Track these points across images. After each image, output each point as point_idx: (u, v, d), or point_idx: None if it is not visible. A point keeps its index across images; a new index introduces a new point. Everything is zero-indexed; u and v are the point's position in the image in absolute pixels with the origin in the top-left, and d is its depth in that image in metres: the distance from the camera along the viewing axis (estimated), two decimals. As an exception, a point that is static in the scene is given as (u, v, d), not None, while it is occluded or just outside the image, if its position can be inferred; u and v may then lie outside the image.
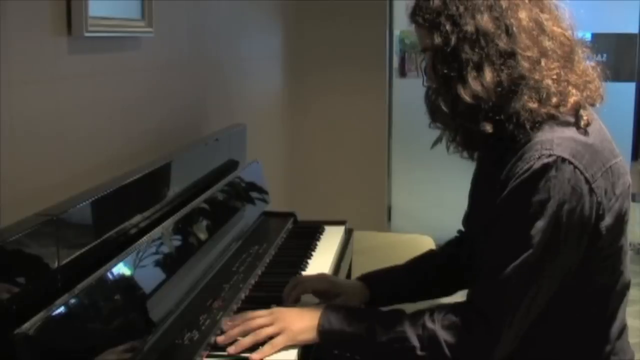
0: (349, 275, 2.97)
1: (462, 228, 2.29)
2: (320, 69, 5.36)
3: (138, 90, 2.60)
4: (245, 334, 1.96)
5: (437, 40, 1.88)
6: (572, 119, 1.88)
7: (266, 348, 1.91)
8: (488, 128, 1.85)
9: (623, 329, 2.02)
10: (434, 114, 1.96)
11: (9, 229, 1.62)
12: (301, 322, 1.98)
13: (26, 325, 1.48)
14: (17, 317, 1.49)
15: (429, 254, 2.44)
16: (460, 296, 2.19)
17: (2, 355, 1.46)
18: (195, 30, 3.16)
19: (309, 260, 2.68)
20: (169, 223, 2.26)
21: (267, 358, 1.90)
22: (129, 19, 2.48)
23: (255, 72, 4.24)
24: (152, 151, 2.60)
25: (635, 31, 5.80)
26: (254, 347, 1.93)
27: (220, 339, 1.96)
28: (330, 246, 2.87)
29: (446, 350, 1.85)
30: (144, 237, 2.09)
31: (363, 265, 2.82)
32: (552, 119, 1.86)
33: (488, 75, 1.83)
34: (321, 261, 2.66)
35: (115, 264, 1.88)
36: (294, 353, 1.93)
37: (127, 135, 2.50)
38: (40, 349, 1.51)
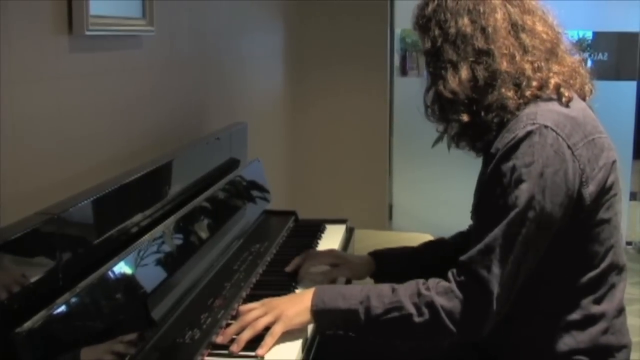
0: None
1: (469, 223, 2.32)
2: (321, 67, 5.36)
3: (139, 89, 2.61)
4: (241, 329, 1.98)
5: (427, 43, 2.09)
6: (554, 96, 2.02)
7: (267, 339, 1.94)
8: (464, 118, 2.03)
9: (621, 310, 2.07)
10: (425, 109, 2.13)
11: (10, 227, 1.62)
12: (294, 306, 2.03)
13: (27, 324, 1.48)
14: (18, 316, 1.49)
15: (439, 241, 2.55)
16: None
17: (3, 355, 1.46)
18: (196, 29, 3.16)
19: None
20: (170, 222, 2.26)
21: (269, 358, 1.91)
22: (130, 17, 2.48)
23: (256, 70, 4.24)
24: (153, 150, 2.60)
25: (637, 30, 5.79)
26: (255, 342, 1.94)
27: (219, 339, 1.97)
28: (331, 245, 2.86)
29: (443, 315, 1.90)
30: (145, 236, 2.09)
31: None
32: (536, 97, 2.00)
33: (464, 72, 2.01)
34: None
35: (117, 263, 1.88)
36: (295, 353, 1.93)
37: (128, 134, 2.50)
38: (41, 348, 1.51)
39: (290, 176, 5.27)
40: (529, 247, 1.90)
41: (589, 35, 5.83)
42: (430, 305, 1.92)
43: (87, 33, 2.14)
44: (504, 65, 1.98)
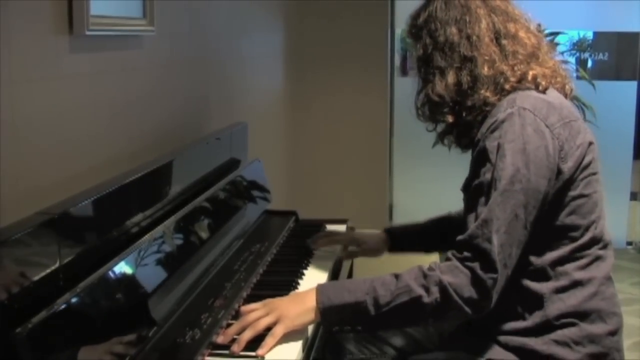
0: (350, 274, 2.97)
1: None
2: (321, 67, 5.36)
3: (139, 89, 2.60)
4: (242, 329, 1.98)
5: (419, 50, 2.26)
6: (532, 86, 2.16)
7: (268, 340, 1.95)
8: (449, 118, 2.21)
9: (609, 280, 2.17)
10: (416, 110, 2.30)
11: (10, 227, 1.62)
12: (295, 307, 2.05)
13: (28, 324, 1.48)
14: (18, 315, 1.49)
15: (446, 216, 2.70)
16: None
17: (3, 354, 1.46)
18: (196, 29, 3.16)
19: (310, 259, 2.68)
20: (170, 222, 2.26)
21: (270, 358, 1.91)
22: (131, 17, 2.48)
23: (256, 70, 4.24)
24: (154, 150, 2.60)
25: (637, 30, 5.79)
26: (255, 342, 1.94)
27: (220, 339, 1.97)
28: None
29: (451, 291, 1.97)
30: (146, 236, 2.09)
31: (365, 263, 2.83)
32: (515, 89, 2.14)
33: (450, 77, 2.18)
34: (322, 260, 2.66)
35: (117, 263, 1.88)
36: (295, 352, 1.93)
37: (128, 134, 2.50)
38: (42, 348, 1.51)
39: (291, 176, 5.26)
40: (521, 216, 2.00)
41: (589, 35, 5.84)
42: (438, 283, 1.97)
43: (88, 33, 2.13)
44: (485, 70, 2.14)
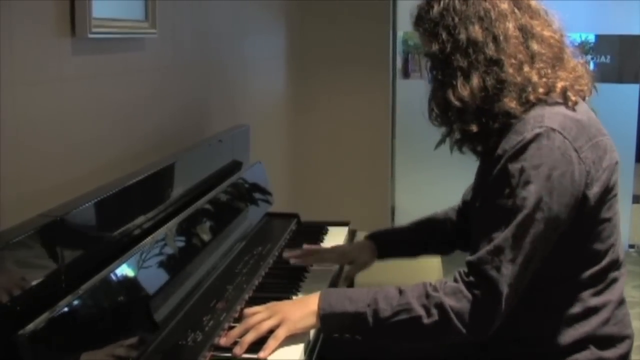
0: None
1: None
2: (323, 69, 5.36)
3: (141, 91, 2.61)
4: (245, 332, 1.98)
5: (435, 47, 2.05)
6: (560, 100, 2.02)
7: (271, 342, 1.94)
8: (473, 128, 2.02)
9: (622, 302, 2.11)
10: (430, 112, 2.11)
11: (12, 230, 1.62)
12: (298, 310, 2.02)
13: (30, 326, 1.48)
14: (20, 318, 1.49)
15: (433, 218, 2.62)
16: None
17: (6, 357, 1.46)
18: (198, 31, 3.16)
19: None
20: (172, 224, 2.26)
21: (273, 358, 1.91)
22: (133, 20, 2.48)
23: (258, 72, 4.24)
24: (156, 152, 2.60)
25: (639, 33, 5.79)
26: (258, 344, 1.94)
27: (223, 341, 1.97)
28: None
29: (452, 315, 1.90)
30: (148, 238, 2.09)
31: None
32: (541, 101, 2.00)
33: (475, 80, 1.99)
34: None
35: (119, 265, 1.88)
36: (298, 353, 1.93)
37: (130, 136, 2.51)
38: (44, 350, 1.51)
39: (293, 178, 5.26)
40: (537, 247, 1.91)
41: (591, 38, 5.83)
42: (439, 306, 1.91)
43: (90, 35, 2.14)
44: (512, 75, 1.98)
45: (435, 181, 5.70)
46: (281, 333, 1.96)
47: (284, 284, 2.40)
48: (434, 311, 1.92)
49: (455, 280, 1.95)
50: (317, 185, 5.42)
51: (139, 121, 2.58)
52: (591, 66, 5.96)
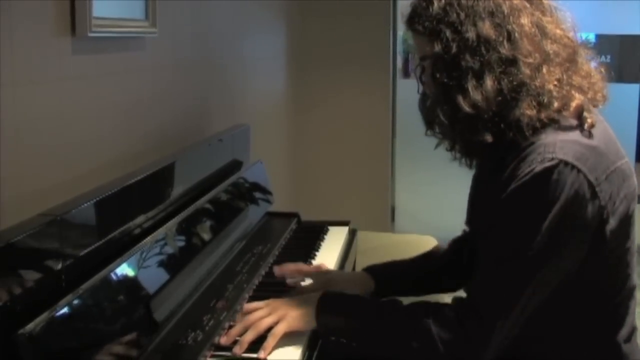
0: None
1: (466, 228, 2.29)
2: (323, 69, 5.35)
3: (142, 91, 2.61)
4: (245, 330, 1.97)
5: (437, 48, 1.86)
6: (575, 122, 1.87)
7: (269, 340, 1.92)
8: (488, 138, 1.84)
9: (632, 332, 2.00)
10: (431, 123, 1.95)
11: (12, 229, 1.62)
12: (298, 308, 2.01)
13: (30, 325, 1.48)
14: (20, 317, 1.49)
15: (435, 251, 2.48)
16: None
17: (6, 356, 1.46)
18: (198, 30, 3.16)
19: (312, 261, 2.68)
20: (172, 223, 2.26)
21: (272, 358, 1.90)
22: (133, 19, 2.48)
23: (258, 72, 4.24)
24: (156, 151, 2.60)
25: (639, 32, 5.79)
26: (258, 343, 1.93)
27: (223, 339, 1.96)
28: (334, 246, 2.87)
29: (439, 344, 1.83)
30: (148, 238, 2.09)
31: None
32: (555, 122, 1.85)
33: (489, 83, 1.80)
34: (325, 261, 2.65)
35: (119, 265, 1.88)
36: (298, 353, 1.93)
37: (130, 136, 2.51)
38: (44, 350, 1.51)
39: (293, 178, 5.26)
40: (538, 288, 1.82)
41: (591, 37, 5.83)
42: (428, 333, 1.84)
43: (90, 35, 2.14)
44: (530, 76, 1.81)
45: (435, 181, 5.69)
46: (280, 329, 1.95)
47: (284, 283, 2.40)
48: (423, 337, 1.85)
49: (451, 309, 1.88)
50: (317, 185, 5.42)
51: (139, 120, 2.57)
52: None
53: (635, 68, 5.84)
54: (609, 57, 5.86)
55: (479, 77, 1.81)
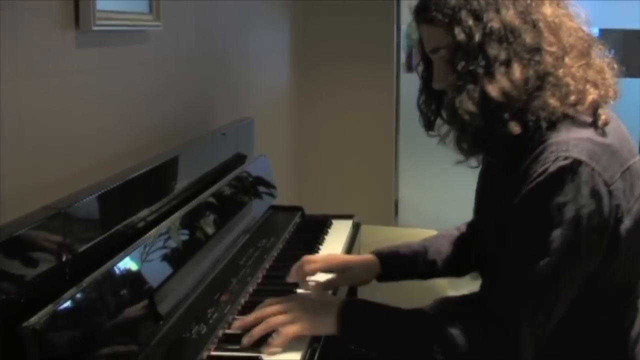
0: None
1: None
2: (327, 63, 5.35)
3: (146, 84, 2.60)
4: (258, 321, 1.91)
5: (460, 36, 1.83)
6: (589, 119, 1.85)
7: (277, 339, 1.86)
8: (516, 129, 1.81)
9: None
10: (453, 116, 1.89)
11: (16, 222, 1.62)
12: (316, 314, 1.92)
13: (33, 318, 1.48)
14: (24, 310, 1.49)
15: (443, 235, 2.43)
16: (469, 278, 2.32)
17: (9, 349, 1.46)
18: (203, 24, 3.16)
19: (317, 254, 2.67)
20: (176, 217, 2.26)
21: (274, 358, 1.85)
22: (137, 12, 2.48)
23: (262, 66, 4.24)
24: (160, 145, 2.60)
25: (643, 27, 5.79)
26: (269, 336, 1.89)
27: (236, 325, 1.93)
28: (337, 240, 2.87)
29: (465, 354, 1.80)
30: (151, 231, 2.09)
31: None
32: (569, 118, 1.83)
33: (517, 71, 1.78)
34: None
35: (123, 258, 1.88)
36: (298, 355, 1.89)
37: (134, 129, 2.50)
38: (47, 343, 1.51)
39: (297, 172, 5.26)
40: (562, 293, 1.79)
41: (595, 32, 5.82)
42: (454, 346, 1.80)
43: (94, 28, 2.13)
44: (552, 65, 1.81)
45: (438, 175, 5.67)
46: (290, 331, 1.87)
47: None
48: (448, 350, 1.80)
49: (476, 321, 1.83)
50: (321, 179, 5.42)
51: (143, 114, 2.57)
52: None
53: (639, 63, 5.83)
54: (612, 52, 5.85)
55: (507, 65, 1.79)
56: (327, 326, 1.91)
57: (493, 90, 1.78)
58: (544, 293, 1.77)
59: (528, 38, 1.80)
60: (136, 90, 2.53)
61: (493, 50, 1.79)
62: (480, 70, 1.81)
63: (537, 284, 1.76)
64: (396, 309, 1.94)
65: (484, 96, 1.80)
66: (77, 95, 2.14)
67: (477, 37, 1.81)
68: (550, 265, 1.74)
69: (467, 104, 1.82)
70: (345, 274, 2.34)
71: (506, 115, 1.80)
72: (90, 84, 2.22)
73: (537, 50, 1.80)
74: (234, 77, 3.63)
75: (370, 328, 1.92)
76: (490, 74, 1.80)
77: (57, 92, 2.05)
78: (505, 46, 1.79)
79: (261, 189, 3.12)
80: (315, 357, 1.90)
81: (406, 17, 5.46)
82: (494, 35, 1.80)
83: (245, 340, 1.87)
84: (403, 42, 5.62)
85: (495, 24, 1.80)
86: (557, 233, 1.73)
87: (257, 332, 1.88)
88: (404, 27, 5.55)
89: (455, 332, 1.80)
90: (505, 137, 1.82)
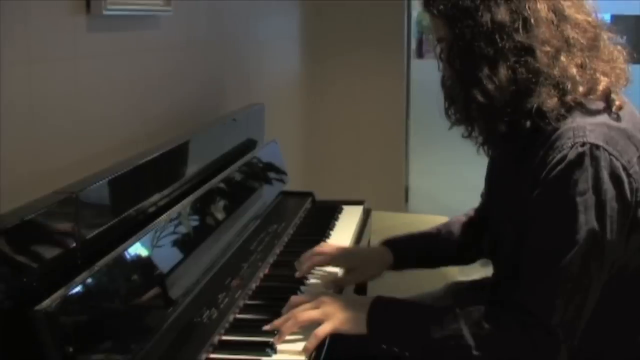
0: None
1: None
2: (338, 50, 5.34)
3: (156, 69, 2.60)
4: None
5: (453, 33, 1.83)
6: (602, 104, 1.83)
7: (312, 340, 1.81)
8: (502, 127, 1.82)
9: None
10: (453, 102, 1.92)
11: (27, 206, 1.63)
12: (347, 311, 1.87)
13: (46, 302, 1.48)
14: (37, 294, 1.49)
15: (454, 222, 2.40)
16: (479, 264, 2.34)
17: (22, 332, 1.46)
18: (214, 9, 3.15)
19: (327, 240, 2.68)
20: (187, 202, 2.26)
21: (275, 357, 1.80)
22: (148, -3, 2.48)
23: (273, 52, 4.23)
24: (170, 130, 2.60)
25: (656, 12, 5.76)
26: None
27: (266, 327, 1.88)
28: (348, 226, 2.87)
29: (504, 354, 1.78)
30: (163, 216, 2.09)
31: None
32: (581, 106, 1.81)
33: (502, 72, 1.76)
34: (339, 240, 2.66)
35: (134, 243, 1.89)
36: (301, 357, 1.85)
37: (145, 114, 2.51)
38: (60, 326, 1.51)
39: (307, 157, 5.26)
40: (593, 280, 1.76)
41: (607, 18, 5.80)
42: (491, 340, 1.78)
43: (105, 13, 2.13)
44: (547, 65, 1.77)
45: (449, 161, 5.68)
46: (324, 330, 1.83)
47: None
48: (485, 344, 1.77)
49: (511, 315, 1.79)
50: (332, 165, 5.42)
51: (154, 99, 2.58)
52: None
53: (651, 49, 5.81)
54: (624, 38, 5.83)
55: (493, 65, 1.77)
56: (358, 324, 1.86)
57: (476, 92, 1.78)
58: (577, 284, 1.74)
59: (518, 37, 1.77)
60: (147, 75, 2.53)
61: (481, 49, 1.78)
62: (468, 70, 1.81)
63: (568, 275, 1.74)
64: (427, 307, 1.93)
65: (468, 96, 1.81)
66: (88, 80, 2.15)
67: (468, 35, 1.80)
68: (579, 254, 1.72)
69: (454, 101, 1.89)
70: (355, 272, 2.31)
71: (492, 115, 1.81)
72: (101, 68, 2.22)
73: (528, 49, 1.77)
74: (245, 63, 3.63)
75: (401, 327, 1.87)
76: (475, 75, 1.79)
77: (68, 77, 2.05)
78: (494, 45, 1.77)
79: (271, 174, 3.12)
80: (325, 346, 1.90)
81: (417, 3, 5.44)
82: (483, 34, 1.78)
83: (276, 339, 1.83)
84: (413, 29, 5.61)
85: (485, 22, 1.77)
86: (582, 221, 1.72)
87: (286, 328, 1.85)
88: (414, 13, 5.53)
89: (492, 329, 1.78)
90: (499, 134, 1.84)
